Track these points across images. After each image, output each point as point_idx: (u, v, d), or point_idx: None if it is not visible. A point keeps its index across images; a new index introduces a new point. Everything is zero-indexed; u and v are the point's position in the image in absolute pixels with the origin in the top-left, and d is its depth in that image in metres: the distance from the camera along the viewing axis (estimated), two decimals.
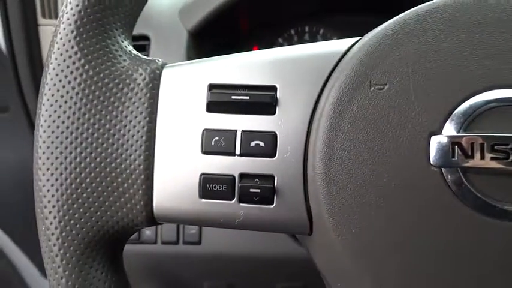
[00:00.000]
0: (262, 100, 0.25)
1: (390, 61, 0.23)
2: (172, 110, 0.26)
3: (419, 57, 0.23)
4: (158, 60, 0.27)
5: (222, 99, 0.25)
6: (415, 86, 0.23)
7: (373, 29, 0.25)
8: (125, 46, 0.27)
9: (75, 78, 0.25)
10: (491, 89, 0.22)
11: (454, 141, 0.22)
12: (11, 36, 0.63)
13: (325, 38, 0.71)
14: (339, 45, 0.26)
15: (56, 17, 0.62)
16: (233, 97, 0.25)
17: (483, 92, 0.22)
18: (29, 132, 0.74)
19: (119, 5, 0.27)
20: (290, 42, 0.71)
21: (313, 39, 0.71)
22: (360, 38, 0.26)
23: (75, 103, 0.25)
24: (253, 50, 0.71)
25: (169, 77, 0.26)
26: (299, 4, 0.68)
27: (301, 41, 0.71)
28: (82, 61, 0.26)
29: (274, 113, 0.25)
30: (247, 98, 0.25)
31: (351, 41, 0.26)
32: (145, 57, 0.28)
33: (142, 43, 0.60)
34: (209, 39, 0.64)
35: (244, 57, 0.27)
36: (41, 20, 0.62)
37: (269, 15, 0.70)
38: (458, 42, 0.23)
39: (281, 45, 0.71)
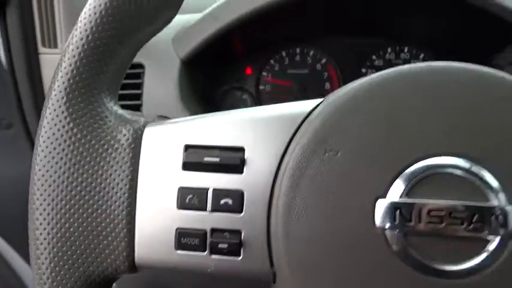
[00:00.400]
0: (230, 162, 0.28)
1: (343, 130, 0.26)
2: (152, 169, 0.29)
3: (368, 127, 0.26)
4: (140, 120, 0.30)
5: (195, 160, 0.28)
6: (364, 153, 0.26)
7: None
8: (111, 107, 0.30)
9: (64, 141, 0.28)
10: (431, 156, 0.25)
11: (395, 206, 0.24)
12: (13, 63, 0.66)
13: (315, 59, 0.73)
14: (302, 106, 0.29)
15: (56, 46, 0.65)
16: (205, 159, 0.28)
17: (424, 159, 0.25)
18: (29, 148, 0.78)
19: (106, 71, 0.30)
20: (282, 63, 0.74)
21: (303, 60, 0.74)
22: (322, 100, 0.29)
23: (65, 163, 0.28)
24: (247, 71, 0.74)
25: (150, 137, 0.29)
26: (290, 29, 0.71)
27: (292, 62, 0.74)
28: (71, 125, 0.29)
29: (242, 172, 0.28)
30: (218, 159, 0.28)
31: (313, 103, 0.29)
32: (129, 116, 0.31)
33: (137, 71, 0.63)
34: (201, 66, 0.67)
35: (217, 118, 0.30)
36: (41, 49, 0.65)
37: (261, 40, 0.72)
38: (402, 111, 0.26)
39: (273, 66, 0.74)
